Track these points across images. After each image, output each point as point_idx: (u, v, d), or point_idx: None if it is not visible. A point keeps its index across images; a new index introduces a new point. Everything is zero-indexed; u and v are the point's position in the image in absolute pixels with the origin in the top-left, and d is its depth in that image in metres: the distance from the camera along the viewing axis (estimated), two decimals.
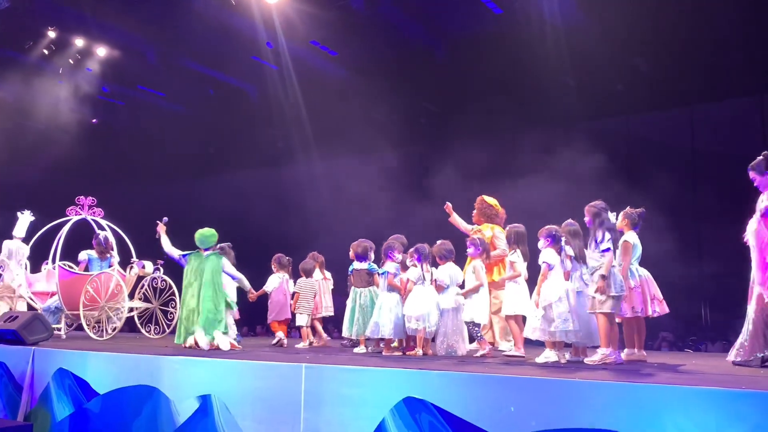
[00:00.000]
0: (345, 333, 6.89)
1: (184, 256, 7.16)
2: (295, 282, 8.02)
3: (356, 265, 6.82)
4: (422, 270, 6.28)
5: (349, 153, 14.78)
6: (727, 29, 10.64)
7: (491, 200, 7.33)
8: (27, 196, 15.10)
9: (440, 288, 6.26)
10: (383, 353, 6.37)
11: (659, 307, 5.69)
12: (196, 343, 6.72)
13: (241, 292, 7.67)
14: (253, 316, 13.29)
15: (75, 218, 9.03)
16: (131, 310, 8.78)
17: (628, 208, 5.93)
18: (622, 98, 12.16)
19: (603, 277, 5.09)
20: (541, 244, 5.65)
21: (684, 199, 11.24)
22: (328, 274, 8.31)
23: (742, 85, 11.24)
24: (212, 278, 6.87)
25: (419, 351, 6.13)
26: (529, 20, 11.49)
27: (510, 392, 3.73)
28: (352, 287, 6.82)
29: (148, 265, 8.79)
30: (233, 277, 7.19)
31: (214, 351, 6.54)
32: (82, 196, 9.14)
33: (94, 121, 17.18)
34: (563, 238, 5.52)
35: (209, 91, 15.64)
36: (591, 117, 12.54)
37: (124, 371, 5.78)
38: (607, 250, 5.17)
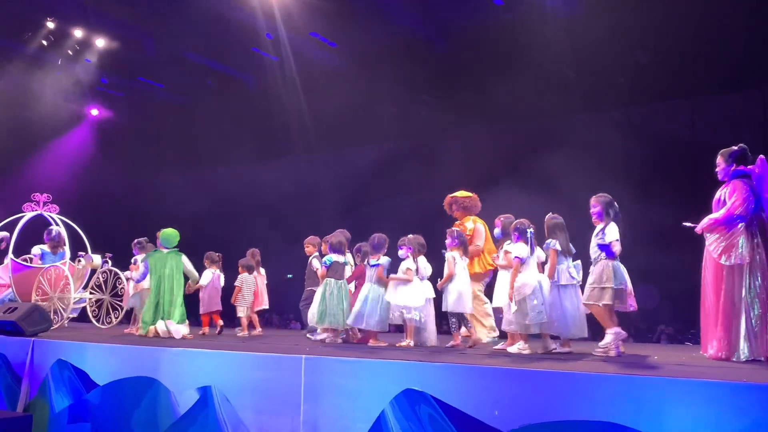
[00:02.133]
0: (314, 322, 6.85)
1: (144, 261, 7.72)
2: (226, 276, 8.48)
3: (335, 257, 6.79)
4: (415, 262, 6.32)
5: (348, 144, 14.77)
6: (730, 22, 10.59)
7: (465, 193, 7.28)
8: (24, 185, 15.14)
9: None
10: (370, 344, 6.36)
11: (634, 302, 5.49)
12: (169, 332, 7.21)
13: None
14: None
15: (30, 214, 9.28)
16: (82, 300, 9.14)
17: None
18: (623, 90, 12.13)
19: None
20: (512, 238, 5.69)
21: (684, 192, 11.21)
22: (263, 271, 8.63)
23: (744, 78, 11.21)
24: (175, 273, 7.56)
25: (411, 342, 6.13)
26: (530, 11, 11.44)
27: (511, 384, 3.73)
28: (328, 279, 6.74)
29: (96, 258, 9.12)
30: (190, 274, 7.84)
31: (215, 342, 6.56)
32: (38, 193, 9.43)
33: (93, 112, 17.15)
34: (531, 230, 5.58)
35: (208, 82, 15.59)
36: (591, 109, 12.51)
37: (124, 362, 5.77)
38: (617, 241, 5.13)
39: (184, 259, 7.71)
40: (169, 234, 7.67)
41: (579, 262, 5.58)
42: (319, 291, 6.80)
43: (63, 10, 12.93)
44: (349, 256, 7.16)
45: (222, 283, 8.33)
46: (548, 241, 5.57)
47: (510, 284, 5.49)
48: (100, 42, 13.89)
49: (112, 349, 5.99)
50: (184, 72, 14.77)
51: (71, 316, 8.79)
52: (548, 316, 5.33)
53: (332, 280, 6.71)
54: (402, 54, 13.07)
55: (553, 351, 5.40)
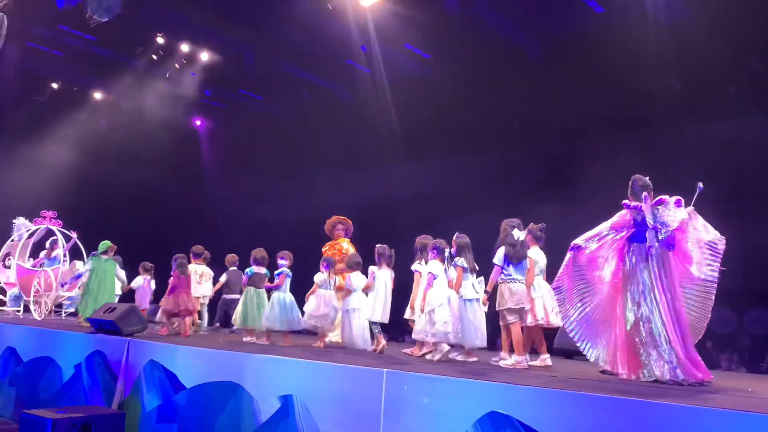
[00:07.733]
0: (239, 324, 7.84)
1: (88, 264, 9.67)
2: (157, 282, 10.12)
3: (255, 269, 7.81)
4: (328, 276, 7.21)
5: (440, 156, 14.64)
6: None
7: (341, 218, 8.37)
8: (138, 193, 16.07)
9: (348, 292, 7.07)
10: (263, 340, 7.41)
11: (557, 319, 5.88)
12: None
13: None
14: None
15: (41, 227, 11.68)
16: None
17: (531, 224, 6.38)
18: (733, 100, 11.33)
19: (485, 292, 6.04)
20: (429, 256, 6.32)
21: None
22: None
23: None
24: (110, 277, 9.55)
25: (320, 344, 7.08)
26: (631, 18, 10.90)
27: (605, 413, 3.46)
28: (248, 287, 7.78)
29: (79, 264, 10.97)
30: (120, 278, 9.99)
31: (298, 351, 6.57)
32: (46, 210, 11.74)
33: (197, 123, 17.92)
34: (447, 250, 6.24)
35: (305, 95, 15.89)
36: (698, 120, 11.76)
37: (211, 366, 5.88)
38: (496, 264, 5.82)
39: (117, 266, 9.80)
40: (105, 244, 9.61)
41: (482, 278, 6.23)
42: (242, 297, 7.87)
43: (171, 25, 13.59)
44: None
45: (153, 287, 10.06)
46: (456, 259, 6.21)
47: (422, 297, 6.06)
48: (204, 56, 14.47)
49: (200, 353, 6.12)
50: (281, 84, 15.17)
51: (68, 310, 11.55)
52: (453, 328, 5.91)
53: (252, 288, 7.77)
54: (496, 64, 12.82)
55: (455, 359, 6.13)
